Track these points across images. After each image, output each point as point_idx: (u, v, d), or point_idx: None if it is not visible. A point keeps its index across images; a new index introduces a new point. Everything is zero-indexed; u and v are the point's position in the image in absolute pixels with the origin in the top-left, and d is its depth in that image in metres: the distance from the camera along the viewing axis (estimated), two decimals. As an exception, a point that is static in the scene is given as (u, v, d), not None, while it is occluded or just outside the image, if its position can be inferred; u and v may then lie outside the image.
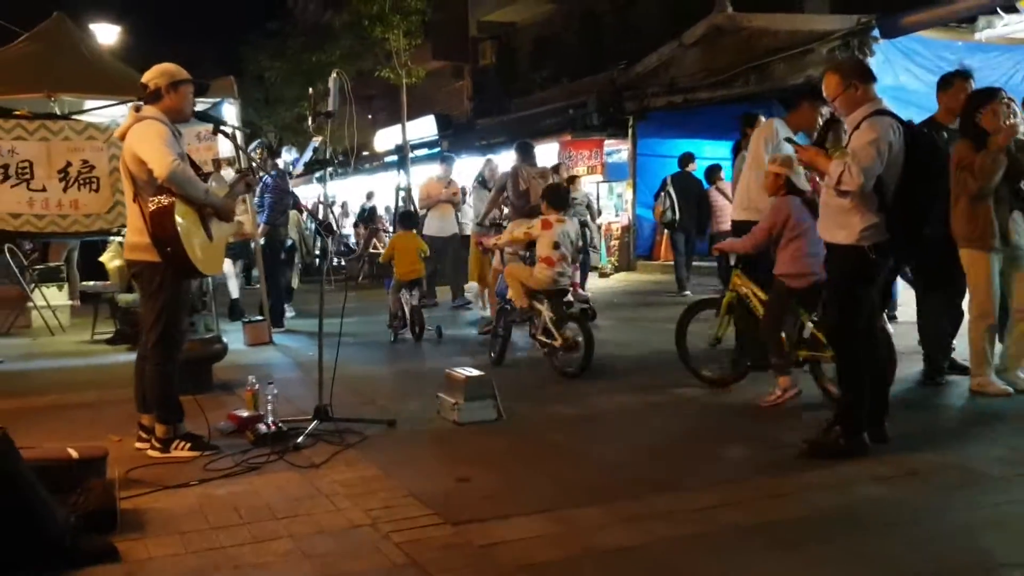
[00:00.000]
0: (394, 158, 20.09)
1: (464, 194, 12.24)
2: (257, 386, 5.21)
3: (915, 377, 5.81)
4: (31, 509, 3.05)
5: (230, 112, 8.55)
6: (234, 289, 10.24)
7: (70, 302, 10.41)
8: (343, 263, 16.39)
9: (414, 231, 9.29)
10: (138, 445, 4.62)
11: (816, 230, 4.69)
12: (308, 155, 9.29)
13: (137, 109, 4.48)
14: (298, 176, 10.14)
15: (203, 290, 9.12)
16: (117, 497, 3.49)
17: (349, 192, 23.66)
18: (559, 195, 7.11)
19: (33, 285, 9.93)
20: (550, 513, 3.60)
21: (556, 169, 10.60)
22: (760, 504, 3.70)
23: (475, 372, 5.25)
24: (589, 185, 15.33)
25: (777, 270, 5.35)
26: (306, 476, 4.14)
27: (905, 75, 10.25)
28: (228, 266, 10.18)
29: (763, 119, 7.42)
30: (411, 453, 4.58)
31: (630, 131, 15.81)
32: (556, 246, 6.68)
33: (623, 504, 3.70)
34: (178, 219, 4.31)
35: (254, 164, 4.93)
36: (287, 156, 10.39)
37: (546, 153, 15.44)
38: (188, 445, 4.53)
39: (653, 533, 3.38)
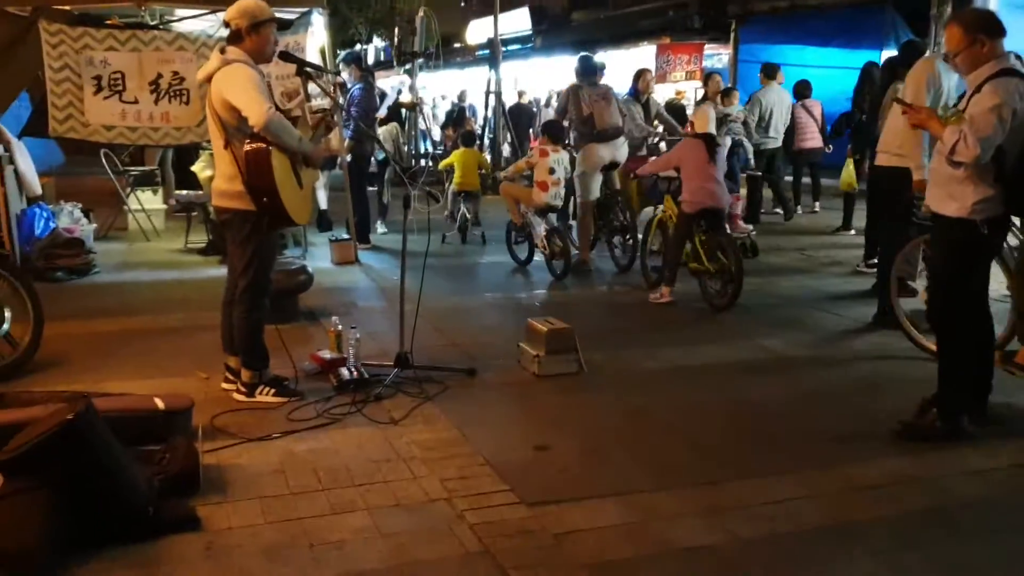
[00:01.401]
0: (486, 52, 19.64)
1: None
2: (340, 327, 5.20)
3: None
4: (115, 481, 3.11)
5: (319, 23, 8.39)
6: (323, 200, 10.28)
7: (164, 205, 10.63)
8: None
9: (476, 149, 9.69)
10: (224, 386, 4.70)
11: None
12: (391, 100, 9.06)
13: (222, 51, 4.36)
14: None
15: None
16: (200, 458, 3.54)
17: (440, 87, 23.28)
18: (557, 130, 8.10)
19: (129, 189, 10.15)
20: (624, 498, 3.52)
21: (639, 76, 9.28)
22: (844, 499, 3.55)
23: (557, 324, 5.15)
24: (685, 93, 14.74)
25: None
26: (385, 434, 4.15)
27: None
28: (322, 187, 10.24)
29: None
30: (490, 411, 4.54)
31: (732, 36, 15.04)
32: (551, 171, 7.78)
33: (700, 492, 3.59)
34: (274, 166, 4.23)
35: (339, 83, 4.76)
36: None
37: (643, 57, 14.87)
38: (273, 391, 4.58)
39: (727, 530, 3.27)
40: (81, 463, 3.04)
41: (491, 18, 15.94)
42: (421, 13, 4.41)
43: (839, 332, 6.16)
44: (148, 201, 10.23)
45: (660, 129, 9.34)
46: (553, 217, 8.21)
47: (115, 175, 9.99)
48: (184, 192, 10.17)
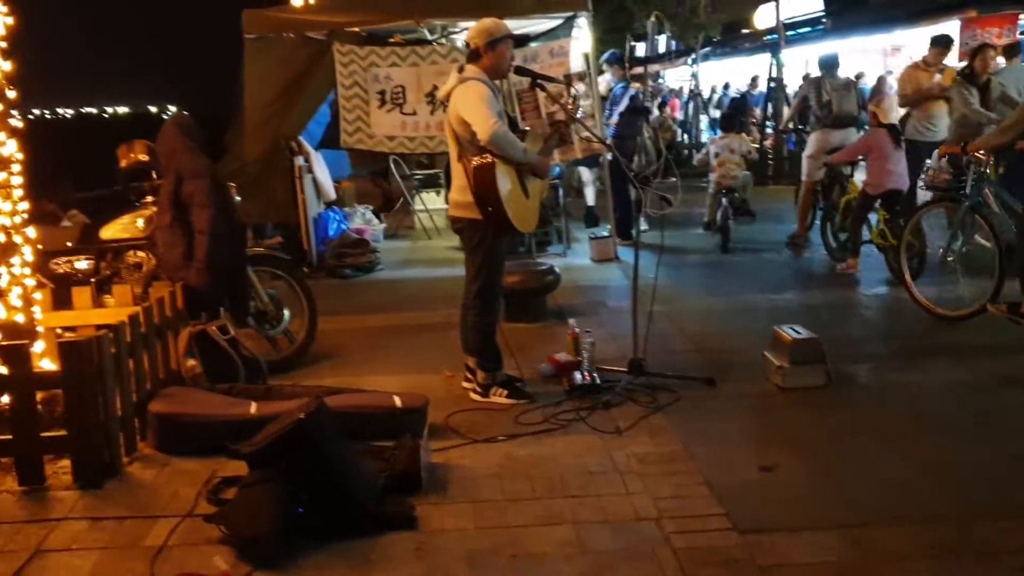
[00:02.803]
0: (774, 37, 18.80)
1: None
2: (578, 330, 5.26)
3: None
4: (341, 478, 3.37)
5: (583, 26, 8.48)
6: (590, 196, 10.41)
7: (445, 205, 11.30)
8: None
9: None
10: (464, 385, 4.93)
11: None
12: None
13: (460, 69, 4.57)
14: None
15: (556, 200, 9.41)
16: (423, 458, 3.74)
17: (727, 76, 22.62)
18: (727, 119, 10.20)
19: (415, 191, 10.93)
20: (847, 531, 3.23)
21: (976, 54, 8.40)
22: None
23: (804, 333, 4.84)
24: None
25: None
26: (606, 443, 4.13)
27: None
28: (586, 174, 10.40)
29: None
30: (721, 425, 4.36)
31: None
32: (716, 155, 9.47)
33: (937, 529, 3.22)
34: (498, 179, 4.39)
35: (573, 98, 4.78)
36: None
37: (947, 32, 13.41)
38: (505, 393, 4.74)
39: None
40: (310, 459, 3.34)
41: (782, 2, 15.21)
42: (652, 18, 4.29)
43: None
44: (431, 202, 10.95)
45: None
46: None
47: (403, 179, 10.80)
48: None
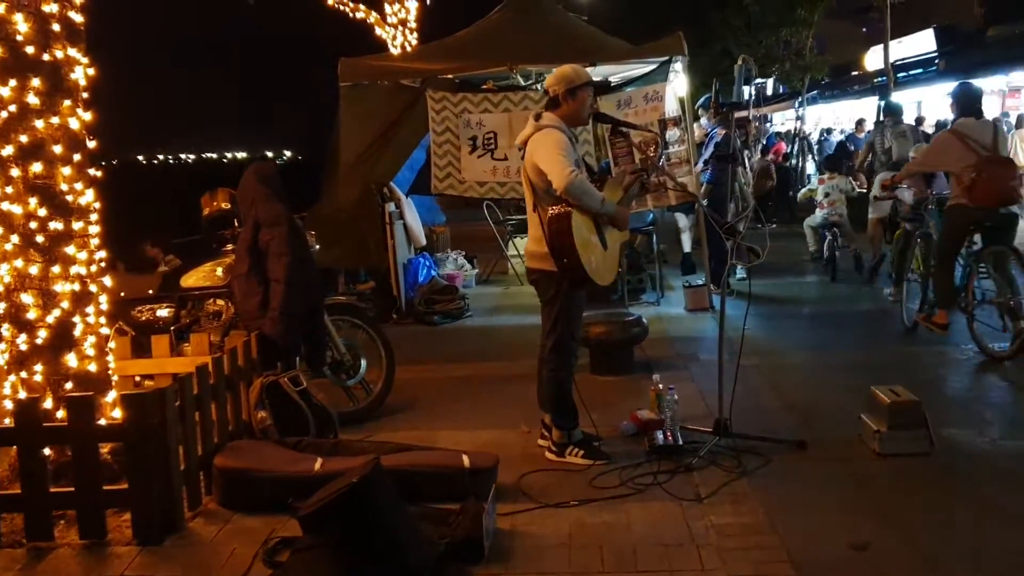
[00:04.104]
0: (884, 79, 18.19)
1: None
2: (661, 385, 5.00)
3: None
4: (394, 545, 3.21)
5: (678, 70, 8.29)
6: (686, 243, 10.14)
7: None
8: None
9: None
10: (540, 442, 4.73)
11: None
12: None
13: (537, 117, 4.45)
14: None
15: (651, 247, 9.17)
16: (486, 525, 3.55)
17: (833, 119, 22.02)
18: (831, 160, 11.00)
19: (508, 237, 10.85)
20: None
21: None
22: None
23: (903, 395, 4.45)
24: None
25: None
26: (686, 512, 3.85)
27: None
28: (682, 220, 10.14)
29: None
30: (810, 494, 4.02)
31: None
32: (827, 195, 10.07)
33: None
34: (574, 229, 4.22)
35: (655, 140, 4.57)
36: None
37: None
38: (582, 453, 4.52)
39: None
40: (363, 524, 3.19)
41: (893, 43, 14.62)
42: (740, 60, 4.14)
43: None
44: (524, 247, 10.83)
45: None
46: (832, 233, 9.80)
47: (496, 224, 10.74)
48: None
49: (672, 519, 3.80)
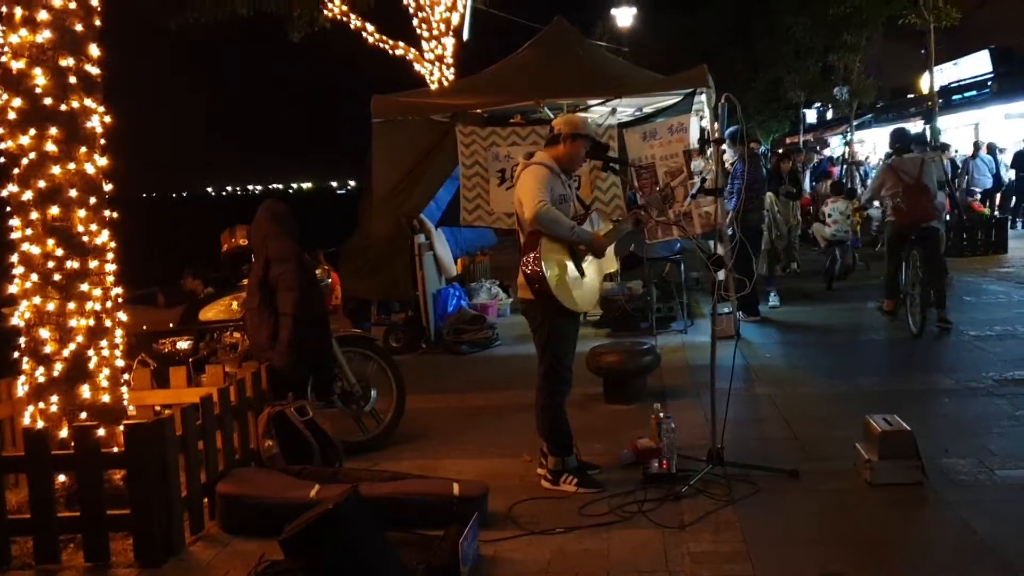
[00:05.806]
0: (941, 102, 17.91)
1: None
2: (662, 414, 5.05)
3: None
4: (373, 571, 3.35)
5: (703, 102, 8.35)
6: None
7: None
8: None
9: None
10: (539, 471, 4.83)
11: None
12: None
13: (527, 156, 4.63)
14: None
15: (679, 275, 9.21)
16: (463, 552, 3.66)
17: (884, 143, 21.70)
18: (836, 185, 12.42)
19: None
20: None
21: None
22: None
23: (895, 424, 4.45)
24: None
25: None
26: (665, 540, 3.91)
27: None
28: (721, 251, 10.10)
29: None
30: (794, 523, 4.05)
31: None
32: (830, 215, 11.03)
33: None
34: (544, 257, 4.38)
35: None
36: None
37: None
38: (575, 481, 4.61)
39: None
40: (339, 548, 3.34)
41: (948, 65, 14.41)
42: (723, 99, 4.14)
43: None
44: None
45: None
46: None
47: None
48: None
49: (651, 547, 3.86)
